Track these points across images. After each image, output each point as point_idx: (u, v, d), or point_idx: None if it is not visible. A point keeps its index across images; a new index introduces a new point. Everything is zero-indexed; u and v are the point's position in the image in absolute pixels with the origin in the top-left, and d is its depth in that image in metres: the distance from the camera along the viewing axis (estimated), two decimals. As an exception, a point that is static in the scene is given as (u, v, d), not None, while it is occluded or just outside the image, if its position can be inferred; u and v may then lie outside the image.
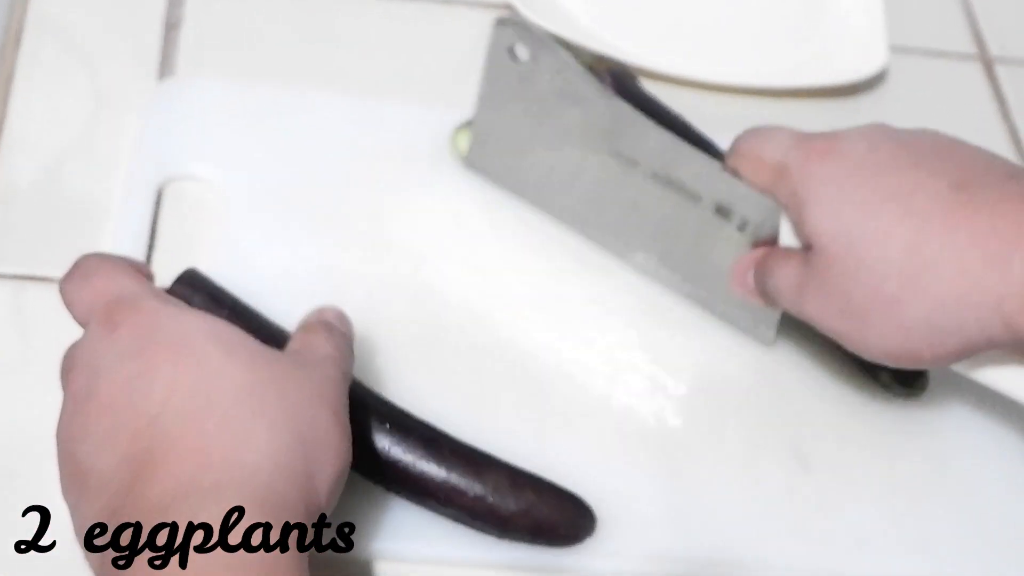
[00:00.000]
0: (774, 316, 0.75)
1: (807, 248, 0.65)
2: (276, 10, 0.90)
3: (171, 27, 0.86)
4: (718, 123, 0.89)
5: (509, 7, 0.65)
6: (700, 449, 0.72)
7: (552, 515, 0.66)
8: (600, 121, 0.73)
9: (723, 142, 0.88)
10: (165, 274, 0.69)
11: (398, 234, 0.77)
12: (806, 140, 0.67)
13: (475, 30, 0.87)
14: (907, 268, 0.61)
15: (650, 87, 0.90)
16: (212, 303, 0.67)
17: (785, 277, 0.67)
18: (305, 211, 0.77)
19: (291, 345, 0.62)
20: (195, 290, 0.67)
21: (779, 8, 0.99)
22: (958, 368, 0.66)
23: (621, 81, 0.82)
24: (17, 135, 0.79)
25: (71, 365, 0.57)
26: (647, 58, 0.91)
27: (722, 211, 0.72)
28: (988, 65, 0.99)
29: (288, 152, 0.79)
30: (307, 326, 0.64)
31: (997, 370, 0.65)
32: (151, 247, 0.73)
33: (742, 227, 0.72)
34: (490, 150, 0.79)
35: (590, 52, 0.87)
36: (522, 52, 0.73)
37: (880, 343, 0.63)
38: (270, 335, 0.67)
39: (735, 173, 0.71)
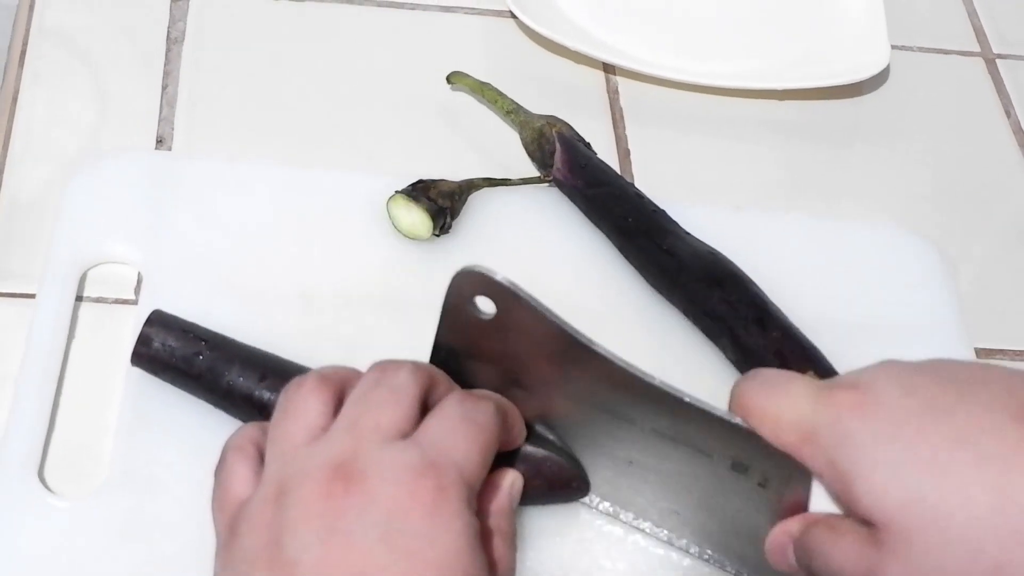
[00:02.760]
0: None
1: (862, 520, 0.55)
2: (278, 22, 0.90)
3: (173, 42, 0.86)
4: (722, 125, 0.90)
5: (474, 268, 0.58)
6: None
7: (560, 471, 0.66)
8: (583, 374, 0.61)
9: (730, 149, 0.89)
10: (90, 369, 0.69)
11: (332, 314, 0.73)
12: (829, 394, 0.56)
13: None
14: (1003, 526, 0.51)
15: (653, 92, 0.91)
16: (187, 336, 0.67)
17: (844, 560, 0.55)
18: (234, 286, 0.74)
19: (419, 432, 0.56)
20: (167, 327, 0.67)
21: (780, 9, 0.99)
22: None
23: (570, 146, 0.81)
24: (23, 149, 0.79)
25: (240, 514, 0.54)
26: (648, 62, 0.91)
27: (738, 467, 0.61)
28: (989, 61, 0.99)
29: (214, 225, 0.76)
30: (446, 416, 0.58)
31: None
32: (71, 336, 0.70)
33: (764, 483, 0.61)
34: None
35: (543, 118, 0.83)
36: (486, 305, 0.60)
37: None
38: (252, 360, 0.67)
39: (749, 425, 0.59)
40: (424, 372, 0.59)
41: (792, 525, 0.59)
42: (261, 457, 0.57)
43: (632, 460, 0.65)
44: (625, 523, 0.68)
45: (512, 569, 0.58)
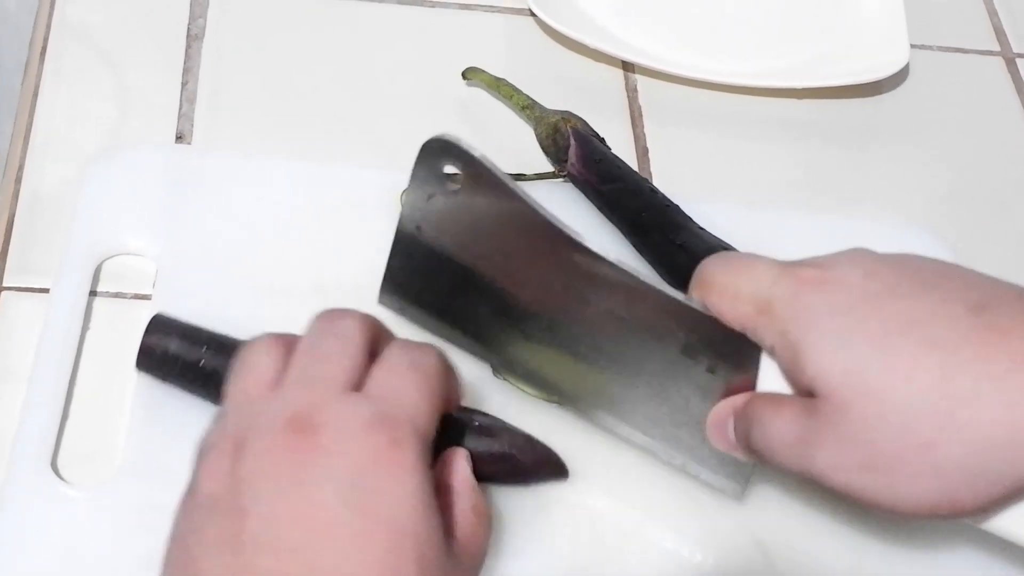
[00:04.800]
0: (747, 469, 0.65)
1: (806, 394, 0.56)
2: (297, 19, 0.91)
3: (193, 38, 0.87)
4: (741, 124, 0.90)
5: (444, 136, 0.61)
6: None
7: (545, 451, 0.67)
8: (544, 253, 0.62)
9: (748, 147, 0.89)
10: (104, 361, 0.70)
11: (347, 307, 0.71)
12: (791, 270, 0.58)
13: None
14: (940, 405, 0.52)
15: (672, 90, 0.91)
16: (189, 343, 0.67)
17: (781, 430, 0.57)
18: (249, 280, 0.74)
19: (370, 385, 0.56)
20: (168, 334, 0.67)
21: (800, 8, 0.99)
22: (992, 526, 0.57)
23: (584, 141, 0.81)
24: (43, 146, 0.80)
25: (215, 467, 0.54)
26: (667, 60, 0.92)
27: (689, 351, 0.62)
28: (1009, 61, 0.99)
29: (231, 219, 0.77)
30: (393, 365, 0.57)
31: None
32: (85, 327, 0.71)
33: (712, 369, 0.62)
34: (411, 284, 0.69)
35: (558, 114, 0.84)
36: (454, 173, 0.62)
37: (914, 495, 0.54)
38: None
39: (703, 307, 0.60)
40: (369, 320, 0.59)
41: (737, 399, 0.61)
42: None
43: (586, 343, 0.65)
44: (569, 410, 0.68)
45: (484, 545, 0.59)
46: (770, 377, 0.59)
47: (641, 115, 0.90)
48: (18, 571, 0.62)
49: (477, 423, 0.65)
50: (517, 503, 0.67)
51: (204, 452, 0.56)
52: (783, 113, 0.92)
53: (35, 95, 0.82)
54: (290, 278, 0.74)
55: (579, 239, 0.61)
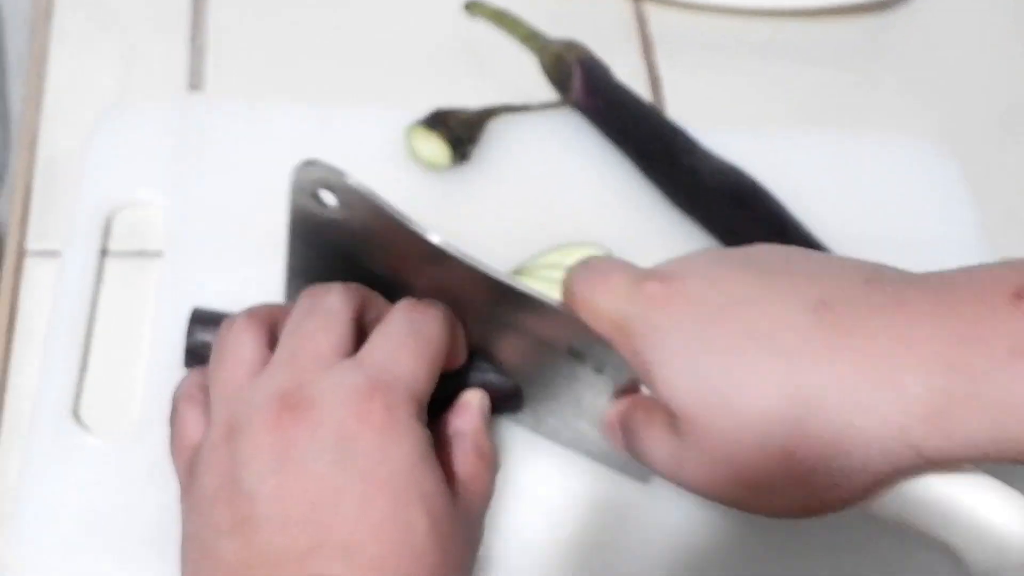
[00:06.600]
0: None
1: (671, 413, 0.55)
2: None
3: (200, -5, 0.87)
4: (748, 49, 0.90)
5: (310, 161, 0.59)
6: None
7: (502, 384, 0.66)
8: (425, 270, 0.62)
9: (760, 72, 0.90)
10: (118, 311, 0.71)
11: None
12: (642, 284, 0.57)
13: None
14: (789, 414, 0.51)
15: (681, 17, 0.91)
16: None
17: (653, 445, 0.57)
18: (259, 229, 0.73)
19: (364, 352, 0.57)
20: (214, 328, 0.64)
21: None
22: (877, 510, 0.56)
23: (591, 72, 0.81)
24: (55, 108, 0.80)
25: (195, 458, 0.56)
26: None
27: (575, 354, 0.61)
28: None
29: (238, 168, 0.77)
30: (391, 332, 0.58)
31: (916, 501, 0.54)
32: (99, 280, 0.71)
33: (599, 369, 0.61)
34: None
35: (561, 43, 0.82)
36: (328, 197, 0.61)
37: (784, 502, 0.54)
38: None
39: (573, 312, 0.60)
40: (355, 292, 0.60)
41: (623, 404, 0.60)
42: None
43: (489, 351, 0.65)
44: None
45: (490, 485, 0.60)
46: None
47: (651, 44, 0.89)
48: (42, 518, 0.63)
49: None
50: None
51: (192, 449, 0.57)
52: (794, 37, 0.91)
53: (43, 60, 0.82)
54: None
55: (453, 251, 0.60)
